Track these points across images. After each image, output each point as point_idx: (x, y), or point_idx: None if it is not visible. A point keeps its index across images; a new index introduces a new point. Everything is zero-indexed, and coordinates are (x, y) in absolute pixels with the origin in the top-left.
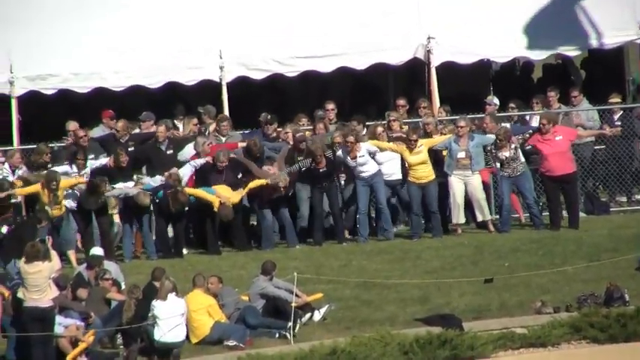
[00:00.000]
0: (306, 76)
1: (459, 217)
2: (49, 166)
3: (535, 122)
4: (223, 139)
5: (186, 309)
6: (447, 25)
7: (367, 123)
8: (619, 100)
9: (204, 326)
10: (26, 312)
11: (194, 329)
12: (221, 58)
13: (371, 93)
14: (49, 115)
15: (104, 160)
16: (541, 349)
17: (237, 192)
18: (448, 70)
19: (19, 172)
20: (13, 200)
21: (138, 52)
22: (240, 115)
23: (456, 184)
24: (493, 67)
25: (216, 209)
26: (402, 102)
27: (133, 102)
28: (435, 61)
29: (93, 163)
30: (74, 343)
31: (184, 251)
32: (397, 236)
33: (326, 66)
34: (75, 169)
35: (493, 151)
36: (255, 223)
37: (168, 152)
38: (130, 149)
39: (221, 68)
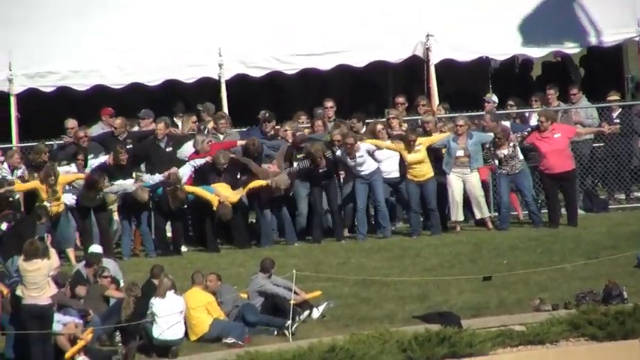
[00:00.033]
0: (306, 74)
1: (457, 214)
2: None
3: (534, 120)
4: (221, 136)
5: (184, 306)
6: (446, 22)
7: (367, 120)
8: (618, 97)
9: (202, 324)
10: (25, 310)
11: (193, 327)
12: (220, 55)
13: (370, 91)
14: (48, 113)
15: (103, 158)
16: (539, 346)
17: (237, 191)
18: (447, 67)
19: (18, 172)
20: (11, 199)
21: (137, 49)
22: (240, 112)
23: (455, 182)
24: (492, 65)
25: (215, 208)
26: (401, 100)
27: (133, 99)
28: (434, 59)
29: (93, 162)
30: (73, 340)
31: (183, 249)
32: (396, 234)
33: (325, 64)
34: (75, 169)
35: (492, 149)
36: (254, 220)
37: (167, 150)
38: (128, 147)
39: (220, 66)
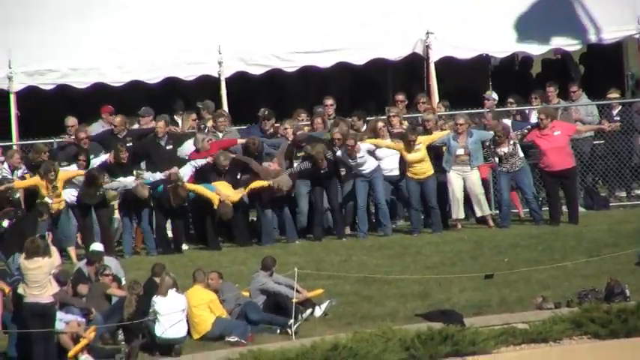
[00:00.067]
0: (305, 72)
1: (458, 212)
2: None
3: (534, 117)
4: (220, 134)
5: (186, 305)
6: (446, 20)
7: (367, 118)
8: (618, 95)
9: (205, 322)
10: (27, 308)
11: (195, 325)
12: (220, 53)
13: (370, 88)
14: (47, 111)
15: (104, 157)
16: (542, 344)
17: (238, 191)
18: (447, 65)
19: (19, 173)
20: (11, 199)
21: (137, 47)
22: (239, 110)
23: (455, 180)
24: (492, 62)
25: (215, 207)
26: (401, 97)
27: (132, 97)
28: (434, 57)
29: (94, 162)
30: (75, 339)
31: (184, 247)
32: (397, 231)
33: (325, 61)
34: (76, 169)
35: (492, 147)
36: (254, 218)
37: (167, 148)
38: (128, 145)
39: (220, 63)
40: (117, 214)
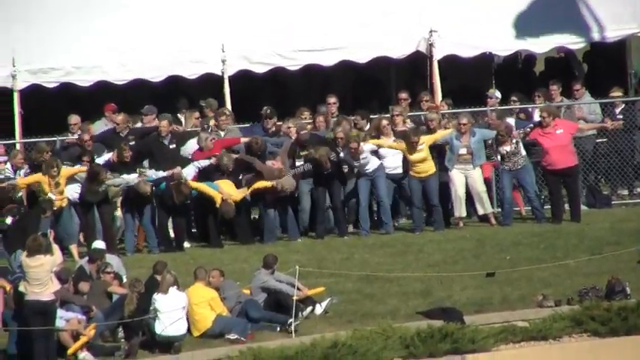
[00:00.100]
0: (308, 70)
1: (460, 210)
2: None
3: (538, 116)
4: (222, 133)
5: (187, 302)
6: (449, 18)
7: (371, 116)
8: (621, 93)
9: (205, 319)
10: (28, 306)
11: (196, 322)
12: (223, 51)
13: (373, 87)
14: (50, 109)
15: (107, 156)
16: (542, 342)
17: (241, 190)
18: (450, 63)
19: (22, 173)
20: (13, 198)
21: (140, 45)
22: (243, 108)
23: (457, 178)
24: (495, 61)
25: (217, 205)
26: (404, 95)
27: (136, 95)
28: (437, 55)
29: (97, 161)
30: (76, 336)
31: (186, 245)
32: (399, 229)
33: (328, 59)
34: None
35: (494, 146)
36: (256, 216)
37: (171, 147)
38: (130, 143)
39: (223, 62)
40: (119, 212)
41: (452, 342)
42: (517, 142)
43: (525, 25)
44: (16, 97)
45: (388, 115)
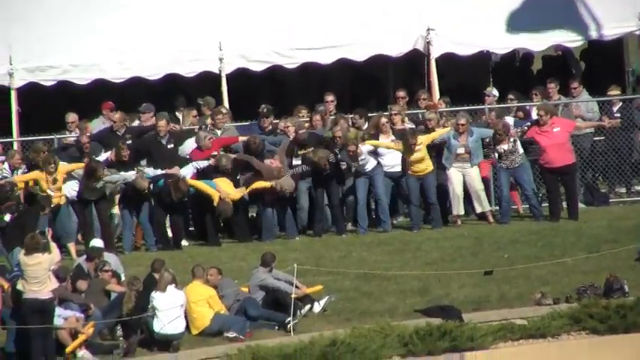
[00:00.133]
0: (306, 68)
1: (458, 208)
2: None
3: (535, 114)
4: (219, 132)
5: (185, 301)
6: (446, 16)
7: (369, 114)
8: (618, 92)
9: (204, 317)
10: (26, 304)
11: (194, 320)
12: (221, 49)
13: (371, 85)
14: (48, 107)
15: (105, 155)
16: (541, 340)
17: (239, 190)
18: (448, 61)
19: (19, 173)
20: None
21: (138, 43)
22: (240, 106)
23: (455, 176)
24: (493, 59)
25: (215, 204)
26: (401, 94)
27: (133, 93)
28: (435, 53)
29: None
30: (74, 334)
31: (184, 243)
32: (397, 228)
33: (326, 58)
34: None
35: (492, 144)
36: (254, 214)
37: (169, 147)
38: (128, 142)
39: (221, 60)
40: (117, 210)
41: (450, 340)
42: (514, 141)
43: (523, 23)
44: (13, 95)
45: (387, 113)
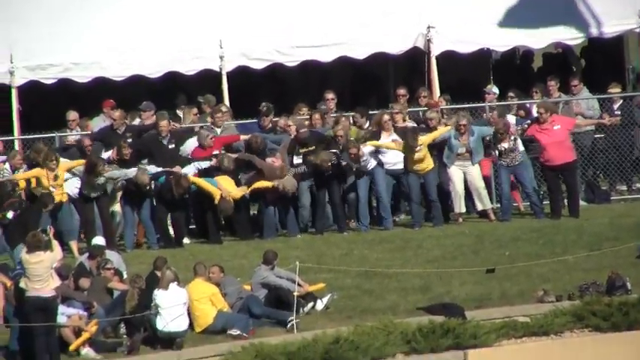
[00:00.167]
0: (306, 66)
1: (460, 206)
2: None
3: (535, 112)
4: (218, 130)
5: (187, 298)
6: (447, 14)
7: (371, 112)
8: (619, 89)
9: (207, 315)
10: (29, 302)
11: (197, 318)
12: (221, 47)
13: (371, 83)
14: (49, 105)
15: (107, 154)
16: (544, 337)
17: (240, 189)
18: (448, 59)
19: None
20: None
21: (138, 41)
22: (241, 104)
23: (456, 173)
24: (493, 56)
25: (216, 202)
26: (402, 91)
27: (134, 92)
28: (435, 51)
29: None
30: (77, 332)
31: (186, 241)
32: (398, 225)
33: (326, 56)
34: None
35: (492, 143)
36: (255, 212)
37: (170, 147)
38: (128, 140)
39: (221, 58)
40: (118, 208)
41: (454, 337)
42: (515, 139)
43: (523, 20)
44: (14, 93)
45: (389, 111)
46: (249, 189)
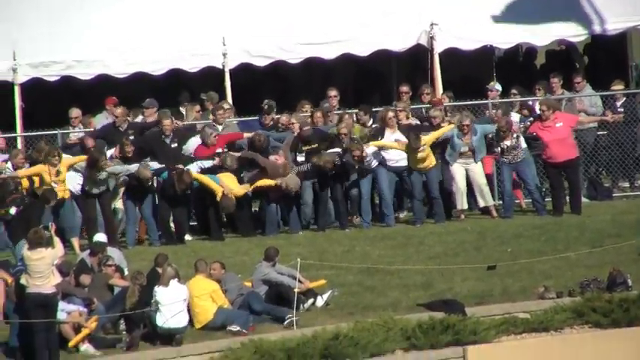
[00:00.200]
0: (309, 63)
1: (462, 203)
2: None
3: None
4: (220, 127)
5: (188, 295)
6: (450, 11)
7: (374, 109)
8: (622, 87)
9: (207, 312)
10: (29, 298)
11: (197, 314)
12: (224, 44)
13: (374, 80)
14: (52, 102)
15: (109, 152)
16: (544, 333)
17: (243, 187)
18: (451, 56)
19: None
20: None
21: (141, 39)
22: (244, 102)
23: (458, 170)
24: (496, 53)
25: (218, 199)
26: (405, 88)
27: (137, 89)
28: (438, 48)
29: None
30: (77, 329)
31: (187, 237)
32: (400, 222)
33: (329, 53)
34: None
35: (495, 141)
36: (257, 209)
37: (172, 146)
38: (131, 138)
39: (224, 55)
40: (120, 205)
41: (453, 333)
42: (517, 137)
43: (526, 17)
44: (17, 90)
45: (393, 108)
46: (252, 187)
